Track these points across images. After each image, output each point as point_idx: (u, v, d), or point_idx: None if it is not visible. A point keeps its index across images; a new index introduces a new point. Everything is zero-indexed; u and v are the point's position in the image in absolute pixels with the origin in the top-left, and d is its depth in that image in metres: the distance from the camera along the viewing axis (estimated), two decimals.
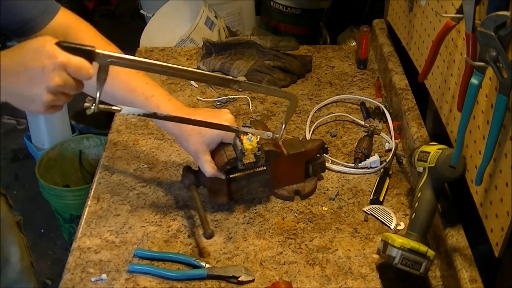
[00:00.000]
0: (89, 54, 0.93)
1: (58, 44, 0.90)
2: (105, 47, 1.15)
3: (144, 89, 1.16)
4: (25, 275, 1.47)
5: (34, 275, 1.52)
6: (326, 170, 1.34)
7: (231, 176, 1.24)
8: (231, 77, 1.01)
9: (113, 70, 1.13)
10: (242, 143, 1.16)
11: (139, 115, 1.06)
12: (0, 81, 0.90)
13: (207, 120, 1.16)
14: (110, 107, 1.01)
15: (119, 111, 1.02)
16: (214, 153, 1.20)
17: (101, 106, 0.98)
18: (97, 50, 0.93)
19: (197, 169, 1.23)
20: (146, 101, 1.15)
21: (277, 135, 1.17)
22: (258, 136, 1.17)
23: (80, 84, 0.94)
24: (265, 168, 1.25)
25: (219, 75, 1.01)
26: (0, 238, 1.36)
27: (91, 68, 0.92)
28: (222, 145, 1.20)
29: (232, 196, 1.27)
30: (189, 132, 1.17)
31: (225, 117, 1.20)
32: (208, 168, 1.18)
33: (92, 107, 0.96)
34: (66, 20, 1.15)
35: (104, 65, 0.95)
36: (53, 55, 0.88)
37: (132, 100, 1.16)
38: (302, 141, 1.32)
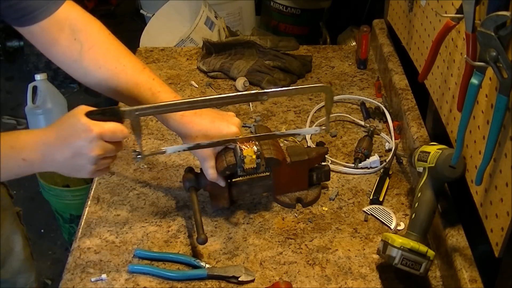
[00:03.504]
0: (117, 114, 1.01)
1: (88, 115, 0.98)
2: (111, 43, 1.17)
3: (150, 85, 1.15)
4: (27, 265, 1.49)
5: (34, 266, 1.54)
6: None
7: (233, 180, 1.23)
8: (257, 91, 1.06)
9: (119, 63, 1.15)
10: (241, 149, 1.15)
11: (184, 150, 1.14)
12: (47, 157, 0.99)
13: (214, 121, 1.16)
14: (155, 153, 1.13)
15: (164, 152, 1.12)
16: (216, 157, 1.19)
17: (146, 153, 1.09)
18: (122, 109, 1.01)
19: (198, 171, 1.23)
20: (152, 96, 1.15)
21: (324, 128, 1.17)
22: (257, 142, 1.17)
23: (119, 144, 1.02)
24: (268, 173, 1.25)
25: (244, 92, 1.08)
26: (5, 227, 1.38)
27: (124, 129, 1.01)
28: (225, 149, 1.19)
29: (233, 200, 1.27)
30: (196, 133, 1.15)
31: (232, 120, 1.18)
32: (210, 171, 1.18)
33: (139, 157, 1.08)
34: (73, 14, 1.15)
35: (134, 119, 1.03)
36: (88, 128, 0.96)
37: (138, 95, 1.15)
38: (306, 149, 1.31)
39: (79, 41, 1.13)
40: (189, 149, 1.14)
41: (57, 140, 0.98)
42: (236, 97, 1.14)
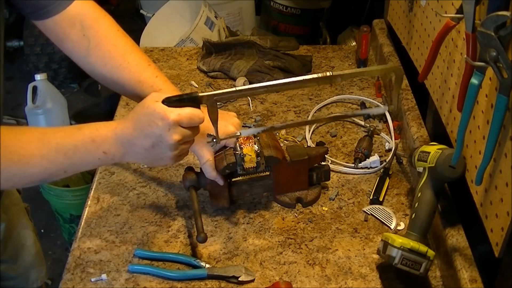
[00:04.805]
0: (195, 100, 1.01)
1: (165, 102, 0.98)
2: (118, 39, 1.18)
3: (153, 82, 1.16)
4: (38, 259, 1.50)
5: (44, 260, 1.55)
6: None
7: (232, 180, 1.23)
8: (332, 74, 1.04)
9: (124, 61, 1.16)
10: (241, 148, 1.16)
11: (257, 133, 1.16)
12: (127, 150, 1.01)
13: None
14: (230, 136, 1.12)
15: (239, 135, 1.11)
16: (216, 156, 1.19)
17: (222, 137, 1.08)
18: (200, 94, 1.01)
19: (198, 170, 1.23)
20: None
21: (392, 106, 1.18)
22: (257, 141, 1.17)
23: (196, 129, 1.03)
24: (268, 173, 1.25)
25: (319, 76, 1.05)
26: (16, 222, 1.39)
27: (201, 113, 1.01)
28: (224, 148, 1.19)
29: (233, 200, 1.27)
30: None
31: (231, 120, 1.19)
32: (209, 169, 1.18)
33: (214, 141, 1.06)
34: (84, 9, 1.16)
35: (211, 104, 1.02)
36: (164, 116, 0.97)
37: (141, 92, 1.16)
38: (306, 148, 1.31)
39: (87, 37, 1.15)
40: (262, 131, 1.17)
41: (135, 131, 0.99)
42: (312, 80, 1.07)
